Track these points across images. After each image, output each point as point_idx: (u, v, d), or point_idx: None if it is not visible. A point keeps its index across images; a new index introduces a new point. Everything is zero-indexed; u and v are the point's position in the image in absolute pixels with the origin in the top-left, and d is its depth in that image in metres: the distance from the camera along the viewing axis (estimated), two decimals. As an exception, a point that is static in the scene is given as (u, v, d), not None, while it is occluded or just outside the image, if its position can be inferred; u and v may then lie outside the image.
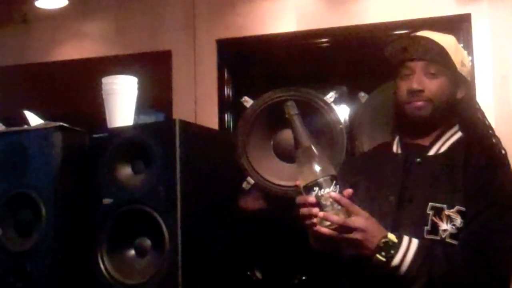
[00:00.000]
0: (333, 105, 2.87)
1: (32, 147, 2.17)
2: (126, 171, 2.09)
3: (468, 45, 3.14)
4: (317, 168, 1.81)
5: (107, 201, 2.08)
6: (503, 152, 2.08)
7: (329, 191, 1.76)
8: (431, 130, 2.05)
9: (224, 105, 3.58)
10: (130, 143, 2.08)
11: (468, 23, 3.18)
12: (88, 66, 3.83)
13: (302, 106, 3.08)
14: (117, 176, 2.08)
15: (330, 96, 2.86)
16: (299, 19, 3.46)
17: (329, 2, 3.43)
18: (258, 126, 2.96)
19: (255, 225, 2.65)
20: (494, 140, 2.10)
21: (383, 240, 1.81)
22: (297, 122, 1.86)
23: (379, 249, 1.80)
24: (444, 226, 1.88)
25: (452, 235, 1.88)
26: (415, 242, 1.84)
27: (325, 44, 3.44)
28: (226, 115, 3.54)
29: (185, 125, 2.03)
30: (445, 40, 2.02)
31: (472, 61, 3.13)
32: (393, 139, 2.14)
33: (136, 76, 2.37)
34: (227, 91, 3.63)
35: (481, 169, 1.94)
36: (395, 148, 2.10)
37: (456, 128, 2.07)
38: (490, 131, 2.12)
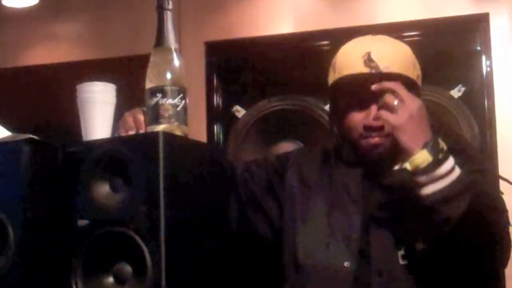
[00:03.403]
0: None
1: (-2, 162, 2.18)
2: (103, 189, 2.08)
3: (486, 47, 3.18)
4: (168, 75, 1.89)
5: (82, 222, 2.07)
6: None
7: (172, 102, 1.87)
8: None
9: (213, 115, 3.60)
10: (108, 158, 2.07)
11: (486, 23, 3.22)
12: (62, 71, 3.85)
13: (300, 116, 3.13)
14: (94, 195, 2.07)
15: (330, 105, 2.89)
16: (297, 20, 3.48)
17: (330, 0, 3.46)
18: (251, 139, 2.99)
19: (246, 248, 2.67)
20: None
21: None
22: (168, 18, 1.93)
23: None
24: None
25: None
26: None
27: (325, 47, 3.45)
28: (215, 127, 3.55)
29: (170, 137, 2.02)
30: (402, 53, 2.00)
31: (490, 64, 3.17)
32: (343, 145, 2.07)
33: (115, 83, 2.38)
34: (217, 99, 3.65)
35: None
36: (349, 156, 2.04)
37: None
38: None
